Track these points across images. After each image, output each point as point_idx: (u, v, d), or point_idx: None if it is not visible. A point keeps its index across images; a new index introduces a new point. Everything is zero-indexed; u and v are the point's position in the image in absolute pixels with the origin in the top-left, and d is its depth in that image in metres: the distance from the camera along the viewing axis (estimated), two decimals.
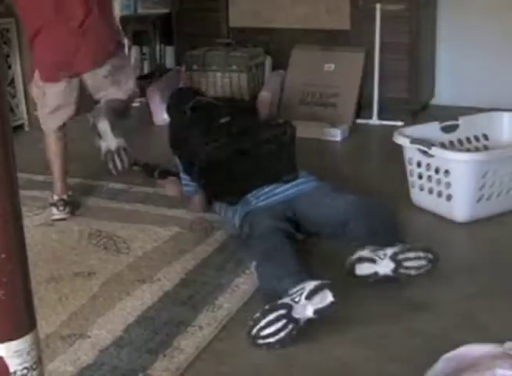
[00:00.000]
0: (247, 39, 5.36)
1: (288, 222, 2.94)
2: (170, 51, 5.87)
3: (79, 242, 3.20)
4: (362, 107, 5.07)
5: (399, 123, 4.82)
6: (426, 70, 5.16)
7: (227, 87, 5.08)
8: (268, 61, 5.32)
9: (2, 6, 4.83)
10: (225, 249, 3.07)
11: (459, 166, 3.20)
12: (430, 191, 3.36)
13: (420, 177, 3.39)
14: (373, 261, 2.62)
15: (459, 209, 3.25)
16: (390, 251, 2.61)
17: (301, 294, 2.34)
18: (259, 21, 5.40)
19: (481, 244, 3.14)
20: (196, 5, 5.49)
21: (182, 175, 3.44)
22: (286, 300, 2.35)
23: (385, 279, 2.63)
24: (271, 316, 2.32)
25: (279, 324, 2.31)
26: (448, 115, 3.75)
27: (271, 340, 2.32)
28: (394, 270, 2.60)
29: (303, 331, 2.39)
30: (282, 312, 2.32)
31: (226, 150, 3.15)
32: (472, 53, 5.20)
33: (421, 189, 3.41)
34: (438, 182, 3.30)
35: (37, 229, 3.31)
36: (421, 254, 2.62)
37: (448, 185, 3.25)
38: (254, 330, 2.32)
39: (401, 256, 2.60)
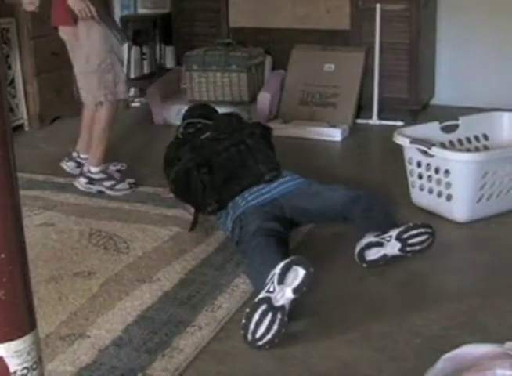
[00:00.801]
0: (247, 39, 5.36)
1: (277, 220, 2.93)
2: (170, 51, 5.87)
3: (79, 242, 3.20)
4: (362, 107, 5.07)
5: (399, 123, 4.82)
6: (426, 70, 5.16)
7: (227, 87, 5.08)
8: (268, 61, 5.32)
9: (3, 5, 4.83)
10: (225, 249, 3.07)
11: (459, 166, 3.20)
12: (430, 191, 3.36)
13: (420, 177, 3.39)
14: (380, 244, 2.80)
15: (459, 209, 3.25)
16: (394, 232, 2.79)
17: (272, 282, 2.34)
18: (259, 21, 5.40)
19: (481, 244, 3.14)
20: (196, 5, 5.49)
21: None
22: (262, 294, 2.34)
23: (393, 259, 2.82)
24: (256, 316, 2.31)
25: (267, 320, 2.31)
26: (448, 115, 3.75)
27: (268, 337, 2.31)
28: (401, 249, 2.80)
29: (303, 331, 2.39)
30: (263, 307, 2.31)
31: (187, 166, 3.16)
32: (472, 53, 5.20)
33: (421, 189, 3.41)
34: (438, 182, 3.30)
35: (37, 229, 3.31)
36: (422, 229, 2.84)
37: (448, 185, 3.25)
38: (249, 337, 2.32)
39: (405, 235, 2.80)
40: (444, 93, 5.34)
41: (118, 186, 3.76)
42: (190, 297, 2.67)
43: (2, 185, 1.06)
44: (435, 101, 5.38)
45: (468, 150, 3.61)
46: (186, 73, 5.16)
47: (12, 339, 1.10)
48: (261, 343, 2.32)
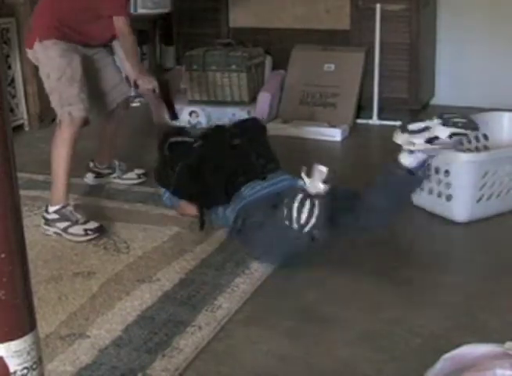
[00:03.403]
0: (247, 39, 5.36)
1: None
2: (170, 51, 5.87)
3: (79, 242, 3.19)
4: (362, 107, 5.07)
5: (399, 123, 4.81)
6: (426, 70, 5.16)
7: (227, 87, 5.08)
8: (268, 61, 5.32)
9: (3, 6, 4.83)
10: (225, 249, 3.07)
11: (459, 166, 3.20)
12: (430, 191, 3.36)
13: None
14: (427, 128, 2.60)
15: (459, 209, 3.25)
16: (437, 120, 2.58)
17: (304, 183, 2.48)
18: (259, 21, 5.40)
19: (480, 244, 3.14)
20: (196, 5, 5.49)
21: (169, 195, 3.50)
22: (296, 190, 2.48)
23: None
24: (295, 204, 2.42)
25: (307, 205, 2.42)
26: None
27: (313, 221, 2.42)
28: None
29: (303, 331, 2.39)
30: (300, 195, 2.43)
31: (193, 161, 3.24)
32: (472, 53, 5.20)
33: (421, 189, 3.40)
34: (438, 182, 3.30)
35: (37, 229, 3.31)
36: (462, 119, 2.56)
37: (448, 185, 3.25)
38: (294, 225, 2.42)
39: (446, 116, 2.58)
40: (444, 93, 5.34)
41: (72, 229, 3.25)
42: (190, 297, 2.67)
43: (2, 185, 1.06)
44: (435, 101, 5.38)
45: (468, 150, 3.61)
46: (186, 73, 5.16)
47: (12, 339, 1.10)
48: (307, 229, 2.40)
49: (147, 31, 5.71)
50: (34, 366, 1.13)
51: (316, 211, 2.44)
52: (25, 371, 1.12)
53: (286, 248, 2.72)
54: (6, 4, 4.81)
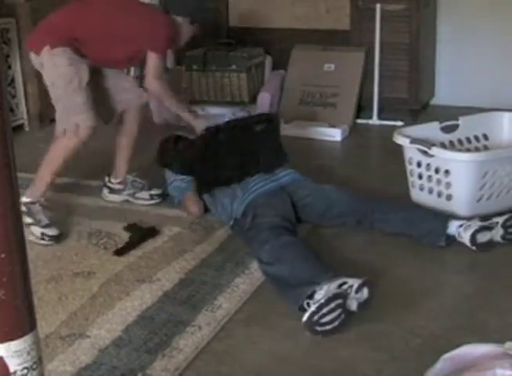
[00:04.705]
0: (247, 39, 5.36)
1: (288, 216, 3.07)
2: (170, 51, 5.86)
3: (79, 242, 3.20)
4: (362, 107, 5.07)
5: (399, 123, 4.82)
6: (426, 70, 5.16)
7: (227, 87, 5.08)
8: (268, 61, 5.32)
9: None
10: (225, 249, 3.07)
11: (459, 166, 3.20)
12: (431, 191, 3.36)
13: (420, 177, 3.38)
14: (490, 228, 2.97)
15: (459, 209, 3.25)
16: (500, 219, 3.00)
17: (351, 287, 2.45)
18: (259, 21, 5.40)
19: None
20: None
21: (175, 176, 3.52)
22: (340, 290, 2.43)
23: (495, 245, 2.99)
24: (332, 305, 2.39)
25: (336, 313, 2.39)
26: (448, 115, 3.75)
27: (327, 327, 2.38)
28: (503, 236, 3.00)
29: (303, 331, 2.39)
30: (339, 301, 2.40)
31: (219, 133, 3.35)
32: (472, 53, 5.20)
33: (421, 189, 3.41)
34: (438, 182, 3.30)
35: None
36: None
37: (448, 185, 3.25)
38: (316, 317, 2.37)
39: (508, 223, 3.01)
40: (444, 93, 5.34)
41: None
42: (190, 297, 2.67)
43: (2, 185, 1.06)
44: (435, 101, 5.38)
45: (468, 150, 3.61)
46: (186, 73, 5.16)
47: (12, 339, 1.10)
48: (319, 329, 2.37)
49: None
50: (34, 366, 1.13)
51: (336, 324, 2.39)
52: (25, 371, 1.12)
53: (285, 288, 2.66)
54: (6, 4, 4.81)
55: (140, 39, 3.32)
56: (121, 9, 3.36)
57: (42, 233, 3.17)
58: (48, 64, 3.24)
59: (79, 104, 3.21)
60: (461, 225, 2.99)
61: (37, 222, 3.19)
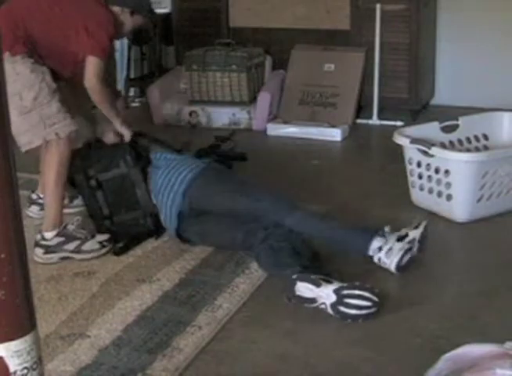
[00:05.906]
0: (247, 39, 5.36)
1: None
2: (170, 51, 5.87)
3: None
4: (362, 107, 5.07)
5: (399, 123, 4.81)
6: (426, 70, 5.16)
7: (227, 87, 5.08)
8: (268, 61, 5.32)
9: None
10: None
11: (459, 166, 3.20)
12: (431, 191, 3.36)
13: (420, 177, 3.38)
14: (410, 249, 2.76)
15: (459, 209, 3.25)
16: (416, 234, 2.78)
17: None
18: (259, 21, 5.40)
19: (481, 243, 3.14)
20: (196, 5, 5.49)
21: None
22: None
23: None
24: (366, 294, 2.43)
25: (366, 303, 2.43)
26: (448, 115, 3.75)
27: (352, 312, 2.42)
28: (419, 249, 2.80)
29: (303, 331, 2.39)
30: (375, 299, 2.45)
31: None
32: (472, 53, 5.19)
33: (421, 189, 3.41)
34: (438, 182, 3.30)
35: (37, 229, 3.30)
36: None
37: (448, 185, 3.25)
38: (345, 291, 2.41)
39: (423, 235, 2.80)
40: (444, 93, 5.34)
41: (85, 246, 3.02)
42: (190, 297, 2.67)
43: (2, 185, 1.06)
44: (435, 101, 5.38)
45: (468, 150, 3.61)
46: (186, 73, 5.16)
47: (12, 339, 1.10)
48: (342, 309, 2.42)
49: (147, 31, 5.70)
50: (34, 367, 1.13)
51: (363, 312, 2.45)
52: (25, 371, 1.12)
53: None
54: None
55: (80, 40, 3.08)
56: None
57: (99, 242, 3.04)
58: (9, 72, 2.79)
59: (53, 113, 2.97)
60: (380, 248, 2.75)
61: (85, 239, 3.03)
